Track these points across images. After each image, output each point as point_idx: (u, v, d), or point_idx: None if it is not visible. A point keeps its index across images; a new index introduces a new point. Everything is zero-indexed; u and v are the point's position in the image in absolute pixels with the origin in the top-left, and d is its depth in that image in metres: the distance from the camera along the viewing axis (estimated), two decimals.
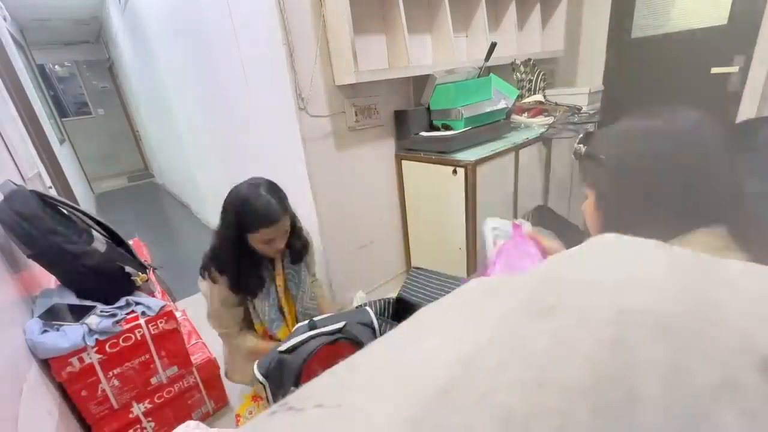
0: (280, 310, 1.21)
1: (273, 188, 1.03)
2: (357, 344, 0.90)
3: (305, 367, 0.84)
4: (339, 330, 0.90)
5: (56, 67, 6.08)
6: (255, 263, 1.11)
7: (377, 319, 0.96)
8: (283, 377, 0.84)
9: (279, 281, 1.18)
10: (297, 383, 0.84)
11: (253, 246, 1.05)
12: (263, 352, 1.14)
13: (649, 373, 0.13)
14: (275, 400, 0.89)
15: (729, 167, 0.47)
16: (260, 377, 0.85)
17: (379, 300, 1.05)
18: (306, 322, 0.94)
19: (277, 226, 1.00)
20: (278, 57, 1.41)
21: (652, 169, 0.47)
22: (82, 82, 6.30)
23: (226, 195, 1.07)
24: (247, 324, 1.25)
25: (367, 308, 0.99)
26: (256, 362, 0.89)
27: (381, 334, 1.00)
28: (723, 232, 0.46)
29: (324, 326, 0.90)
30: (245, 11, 1.54)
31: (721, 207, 0.47)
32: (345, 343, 0.90)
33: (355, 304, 1.08)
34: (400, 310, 1.02)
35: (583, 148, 0.56)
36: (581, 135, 0.59)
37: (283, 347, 0.87)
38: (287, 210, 1.03)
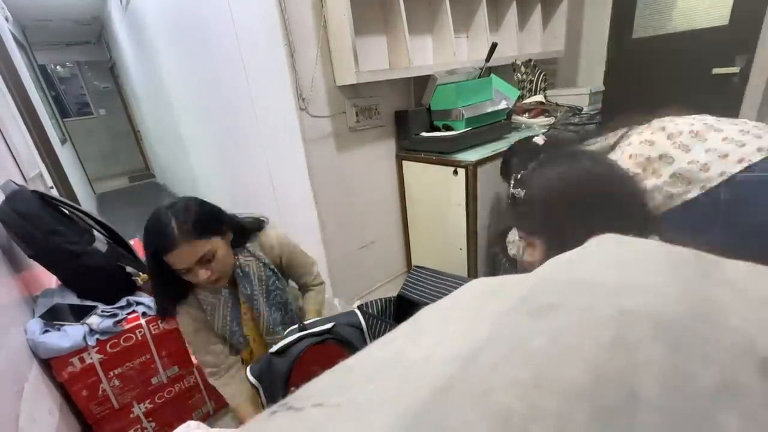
0: (241, 335, 1.08)
1: (186, 210, 0.87)
2: (345, 344, 0.91)
3: (294, 368, 0.85)
4: (328, 331, 0.90)
5: (58, 67, 6.10)
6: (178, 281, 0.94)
7: (378, 319, 0.96)
8: (275, 379, 0.85)
9: (260, 304, 1.05)
10: (287, 384, 0.85)
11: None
12: (241, 416, 1.04)
13: (648, 375, 0.13)
14: (269, 402, 0.89)
15: (631, 196, 0.61)
16: (253, 380, 0.86)
17: (379, 300, 1.05)
18: (297, 325, 0.94)
19: (180, 252, 0.84)
20: (279, 57, 1.41)
21: (577, 202, 0.59)
22: (84, 82, 6.31)
23: (211, 205, 0.97)
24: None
25: (356, 310, 0.98)
26: (249, 366, 0.89)
27: (379, 334, 1.01)
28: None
29: (313, 328, 0.91)
30: (246, 12, 1.54)
31: (631, 223, 0.59)
32: (333, 343, 0.90)
33: (355, 308, 1.06)
34: (400, 308, 1.02)
35: (520, 192, 0.63)
36: (513, 180, 0.67)
37: (274, 349, 0.87)
38: (199, 235, 0.86)
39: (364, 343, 0.93)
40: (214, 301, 1.02)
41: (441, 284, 1.00)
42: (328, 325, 0.91)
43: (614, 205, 0.58)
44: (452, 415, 0.13)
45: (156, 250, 0.86)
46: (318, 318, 0.99)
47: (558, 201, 0.61)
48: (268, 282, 1.05)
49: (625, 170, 0.63)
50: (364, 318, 0.94)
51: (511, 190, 1.20)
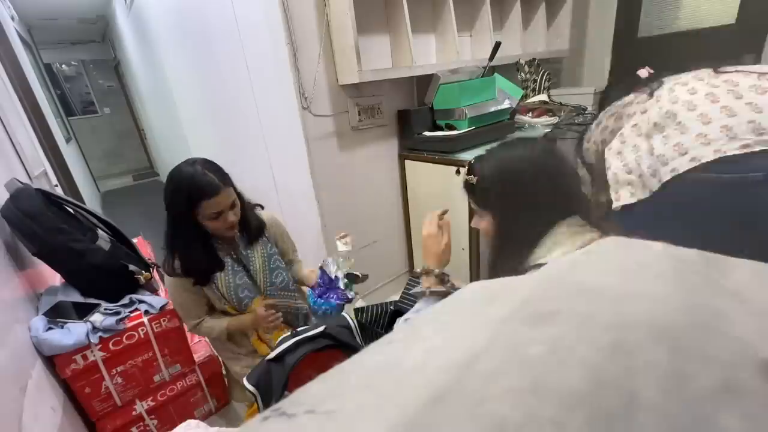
0: (251, 293, 1.15)
1: (209, 163, 1.01)
2: (342, 348, 0.92)
3: (292, 374, 0.86)
4: (321, 333, 0.92)
5: (63, 66, 6.14)
6: (207, 246, 1.07)
7: (369, 328, 0.99)
8: (273, 386, 0.86)
9: (257, 261, 1.14)
10: (285, 390, 0.85)
11: (205, 226, 1.02)
12: (244, 321, 1.12)
13: (648, 378, 0.13)
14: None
15: (573, 178, 0.70)
16: (251, 388, 0.86)
17: (375, 306, 1.07)
18: (290, 333, 0.95)
19: (220, 197, 0.97)
20: (282, 57, 1.41)
21: (526, 183, 0.66)
22: (89, 81, 6.36)
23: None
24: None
25: (344, 314, 1.02)
26: (246, 375, 0.90)
27: (369, 338, 1.02)
28: (579, 220, 0.66)
29: (305, 333, 0.93)
30: (249, 11, 1.54)
31: (573, 203, 0.67)
32: (330, 350, 0.93)
33: (352, 310, 1.08)
34: (396, 321, 1.04)
35: (474, 179, 0.71)
36: (466, 166, 0.75)
37: (271, 355, 0.88)
38: (228, 182, 1.01)
39: (356, 341, 0.94)
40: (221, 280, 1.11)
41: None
42: (320, 329, 0.92)
43: (549, 189, 0.66)
44: (445, 427, 0.13)
45: (194, 200, 0.96)
46: (308, 326, 1.00)
47: (503, 180, 0.69)
48: (266, 247, 1.18)
49: (564, 157, 0.71)
50: (356, 324, 0.96)
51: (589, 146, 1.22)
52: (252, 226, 1.14)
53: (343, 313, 1.02)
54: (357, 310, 1.05)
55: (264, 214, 1.21)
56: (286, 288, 1.21)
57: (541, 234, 0.65)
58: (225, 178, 1.01)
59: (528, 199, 0.66)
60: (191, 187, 0.96)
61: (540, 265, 0.59)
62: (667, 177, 0.90)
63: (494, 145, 0.74)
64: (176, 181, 0.98)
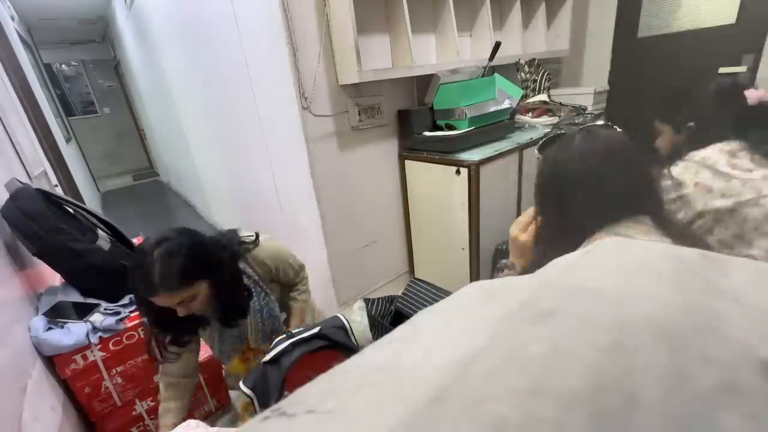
0: (238, 348, 1.13)
1: (170, 255, 0.84)
2: (337, 348, 0.92)
3: (288, 376, 0.86)
4: (316, 334, 0.92)
5: (63, 66, 6.14)
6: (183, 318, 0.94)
7: (378, 321, 0.97)
8: (269, 388, 0.86)
9: (249, 322, 1.08)
10: (281, 392, 0.85)
11: None
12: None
13: (648, 378, 0.13)
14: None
15: (645, 173, 0.61)
16: (247, 391, 0.86)
17: (382, 299, 1.06)
18: (285, 335, 0.95)
19: (159, 298, 0.85)
20: (282, 56, 1.41)
21: (586, 174, 0.59)
22: (89, 81, 6.35)
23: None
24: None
25: (338, 315, 1.00)
26: (243, 378, 0.90)
27: (377, 337, 1.02)
28: (647, 221, 0.58)
29: (301, 335, 0.93)
30: (249, 11, 1.54)
31: (644, 202, 0.59)
32: (325, 350, 0.92)
33: (355, 311, 1.07)
34: (397, 323, 1.04)
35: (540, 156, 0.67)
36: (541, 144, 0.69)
37: (267, 358, 0.88)
38: (175, 285, 0.85)
39: (351, 340, 0.94)
40: (204, 333, 1.10)
41: (439, 299, 1.01)
42: (315, 330, 0.92)
43: (620, 183, 0.58)
44: (444, 426, 0.13)
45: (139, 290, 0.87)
46: (303, 327, 1.00)
47: (570, 178, 0.61)
48: (259, 299, 1.08)
49: (635, 151, 0.61)
50: (350, 325, 0.96)
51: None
52: (230, 312, 1.02)
53: (337, 314, 1.02)
54: (366, 301, 1.04)
55: (261, 249, 1.08)
56: (276, 332, 1.12)
57: (592, 231, 0.58)
58: (179, 280, 0.85)
59: (586, 191, 0.59)
60: (133, 277, 0.86)
61: None
62: None
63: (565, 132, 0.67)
64: (133, 264, 0.88)
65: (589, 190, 0.59)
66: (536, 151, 0.69)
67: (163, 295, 0.85)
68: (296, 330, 0.96)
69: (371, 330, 0.97)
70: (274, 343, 0.93)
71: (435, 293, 1.01)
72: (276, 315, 1.14)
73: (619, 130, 0.64)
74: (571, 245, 0.57)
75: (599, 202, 0.58)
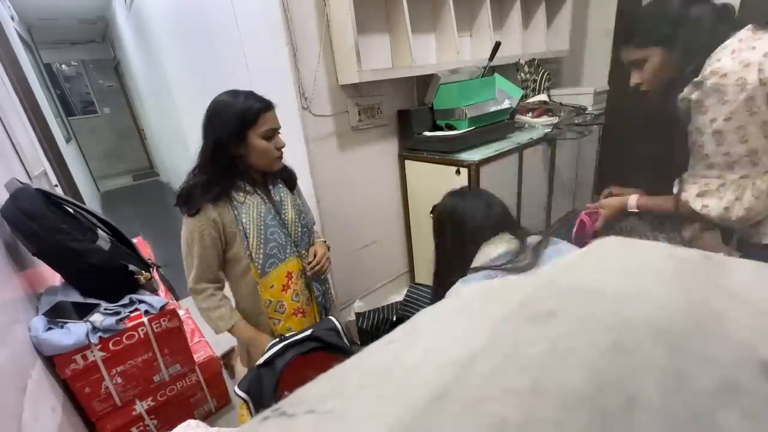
0: (282, 242, 1.08)
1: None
2: (330, 349, 0.93)
3: (281, 378, 0.86)
4: (308, 337, 0.93)
5: (63, 66, 6.14)
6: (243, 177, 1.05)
7: (370, 334, 1.00)
8: (263, 390, 0.87)
9: (289, 212, 1.11)
10: (275, 395, 0.86)
11: (255, 150, 0.99)
12: (245, 332, 1.05)
13: (648, 378, 0.13)
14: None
15: (501, 207, 0.92)
16: (242, 394, 0.87)
17: (377, 311, 1.08)
18: (277, 339, 0.96)
19: (275, 112, 1.00)
20: (282, 57, 1.41)
21: (467, 213, 0.90)
22: (89, 81, 6.36)
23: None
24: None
25: (330, 318, 1.03)
26: (238, 383, 0.90)
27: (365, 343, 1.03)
28: (507, 235, 0.85)
29: (294, 337, 0.94)
30: (249, 11, 1.54)
31: (504, 224, 0.88)
32: (318, 352, 0.94)
33: (353, 314, 1.07)
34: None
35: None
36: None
37: (261, 361, 0.89)
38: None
39: (343, 342, 0.96)
40: (251, 200, 1.06)
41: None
42: (307, 332, 0.94)
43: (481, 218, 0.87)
44: (444, 426, 0.13)
45: (254, 113, 0.98)
46: (296, 332, 1.00)
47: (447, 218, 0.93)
48: (297, 200, 1.18)
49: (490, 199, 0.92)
50: (342, 326, 0.98)
51: None
52: (288, 170, 1.16)
53: (329, 317, 1.04)
54: (358, 315, 1.05)
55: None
56: (309, 233, 1.20)
57: (476, 248, 0.83)
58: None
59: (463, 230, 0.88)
60: (249, 101, 0.98)
61: (476, 269, 0.80)
62: None
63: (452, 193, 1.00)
64: (229, 103, 0.99)
65: (471, 222, 0.86)
66: (430, 214, 0.99)
67: (274, 111, 1.02)
68: (289, 334, 0.97)
69: (361, 344, 1.00)
70: (269, 345, 0.94)
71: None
72: (309, 229, 1.20)
73: (481, 188, 0.95)
74: (462, 262, 0.83)
75: (478, 227, 0.85)
